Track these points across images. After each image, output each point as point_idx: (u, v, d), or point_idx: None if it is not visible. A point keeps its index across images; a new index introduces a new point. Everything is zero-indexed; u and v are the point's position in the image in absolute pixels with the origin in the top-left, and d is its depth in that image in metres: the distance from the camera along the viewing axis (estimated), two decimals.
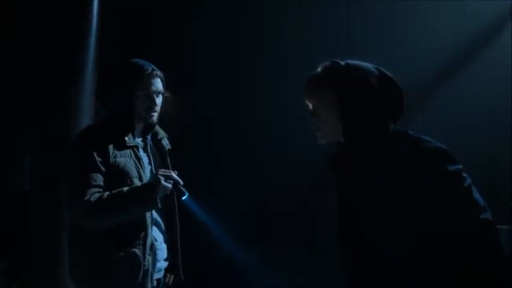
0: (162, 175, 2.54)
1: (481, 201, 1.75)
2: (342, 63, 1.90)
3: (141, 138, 2.78)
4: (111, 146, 2.58)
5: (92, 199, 2.48)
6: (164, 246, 2.78)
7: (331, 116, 1.88)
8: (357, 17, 4.98)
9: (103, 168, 2.54)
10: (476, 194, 1.75)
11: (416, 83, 4.54)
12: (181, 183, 2.60)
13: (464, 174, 1.77)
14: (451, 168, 1.74)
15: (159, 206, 2.57)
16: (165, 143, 2.89)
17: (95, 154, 2.53)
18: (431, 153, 1.76)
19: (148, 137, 2.82)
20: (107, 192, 2.52)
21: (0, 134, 4.69)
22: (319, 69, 1.94)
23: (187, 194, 2.62)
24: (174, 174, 2.59)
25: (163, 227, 2.79)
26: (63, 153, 2.82)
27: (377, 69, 1.90)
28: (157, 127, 2.86)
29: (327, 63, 1.93)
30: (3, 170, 4.63)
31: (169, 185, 2.55)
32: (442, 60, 4.93)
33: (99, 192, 2.51)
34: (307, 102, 1.96)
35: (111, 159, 2.56)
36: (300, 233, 5.13)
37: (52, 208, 3.81)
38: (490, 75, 4.73)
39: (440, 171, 1.73)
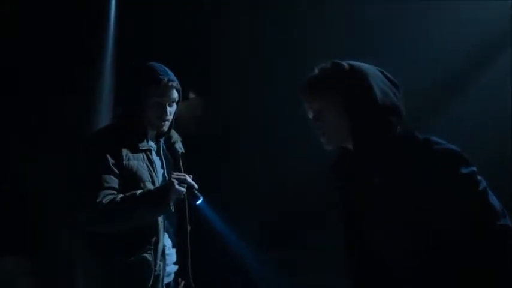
0: (176, 178, 2.51)
1: (498, 205, 1.67)
2: (345, 64, 1.85)
3: (154, 142, 2.74)
4: (124, 149, 2.55)
5: (104, 201, 2.44)
6: (173, 250, 2.74)
7: (337, 119, 1.82)
8: (371, 18, 4.87)
9: (116, 171, 2.50)
10: (492, 198, 1.67)
11: (432, 84, 4.51)
12: (196, 187, 2.56)
13: (479, 177, 1.69)
14: (464, 170, 1.66)
15: (173, 210, 2.55)
16: (179, 146, 2.85)
17: (109, 156, 2.50)
18: (442, 155, 1.69)
19: (162, 141, 2.78)
20: (120, 195, 2.48)
21: (4, 133, 4.66)
22: (318, 71, 1.89)
23: (201, 198, 2.57)
24: (188, 178, 2.54)
25: (172, 231, 2.75)
26: (75, 154, 2.77)
27: (379, 70, 1.87)
28: (171, 130, 2.82)
29: (327, 65, 1.88)
30: (3, 169, 4.60)
31: (183, 189, 2.51)
32: (458, 60, 4.80)
33: (112, 194, 2.47)
34: (308, 105, 1.89)
35: (124, 162, 2.53)
36: (324, 234, 5.01)
37: (56, 208, 3.77)
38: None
39: (451, 174, 1.67)
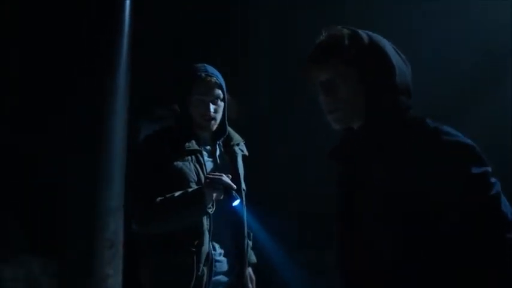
0: (211, 179, 2.45)
1: (510, 215, 1.44)
2: (363, 34, 1.66)
3: (210, 144, 2.71)
4: (169, 150, 2.53)
5: (147, 203, 2.45)
6: (225, 259, 2.62)
7: (352, 91, 1.62)
8: (396, 17, 4.77)
9: (161, 172, 2.49)
10: (505, 205, 1.45)
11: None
12: (234, 187, 2.48)
13: (493, 179, 1.46)
14: (475, 170, 1.44)
15: (211, 212, 2.47)
16: (239, 148, 2.78)
17: (154, 158, 2.50)
18: (452, 149, 1.47)
19: (220, 142, 2.73)
20: (163, 197, 2.47)
21: (30, 130, 4.69)
22: (329, 37, 1.67)
23: (238, 199, 2.48)
24: (225, 178, 2.47)
25: (228, 238, 2.65)
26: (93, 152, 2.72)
27: (391, 45, 1.69)
28: (231, 132, 2.77)
29: (338, 31, 1.67)
30: (33, 164, 4.63)
31: (218, 189, 2.44)
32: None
33: (158, 195, 2.47)
34: (317, 76, 1.68)
35: (171, 164, 2.50)
36: None
37: (85, 202, 3.76)
38: None
39: (460, 172, 1.45)
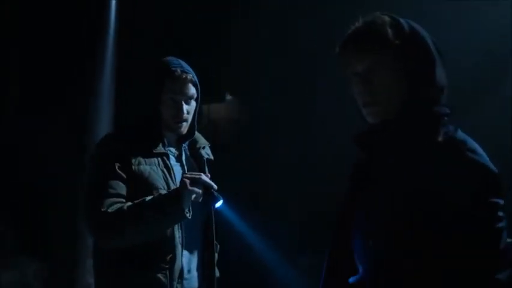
0: (189, 178, 2.17)
1: (507, 254, 1.36)
2: (404, 22, 1.54)
3: (175, 147, 2.44)
4: (135, 153, 2.25)
5: (109, 210, 2.13)
6: (195, 274, 2.35)
7: (394, 80, 1.49)
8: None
9: (124, 176, 2.20)
10: (504, 243, 1.36)
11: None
12: (214, 187, 2.22)
13: (501, 213, 1.38)
14: (491, 199, 1.36)
15: (189, 217, 2.18)
16: (205, 152, 2.52)
17: (115, 161, 2.21)
18: (474, 168, 1.38)
19: (185, 145, 2.48)
20: (129, 203, 2.17)
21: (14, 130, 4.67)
22: (369, 24, 1.54)
23: (221, 199, 2.22)
24: (204, 177, 2.20)
25: (197, 250, 2.37)
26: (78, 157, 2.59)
27: (432, 38, 1.57)
28: (197, 134, 2.51)
29: (379, 18, 1.55)
30: (14, 165, 4.61)
31: (198, 190, 2.16)
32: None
33: (120, 202, 2.17)
34: (355, 63, 1.54)
35: (134, 167, 2.22)
36: None
37: (68, 210, 3.74)
38: None
39: (475, 196, 1.35)
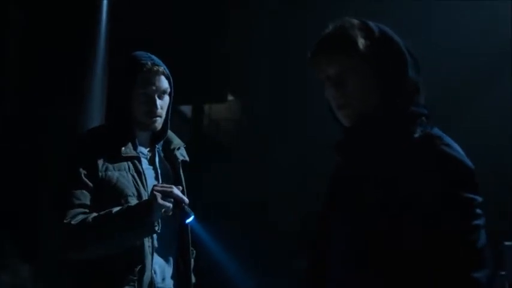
0: (160, 191, 2.00)
1: (486, 253, 1.32)
2: (373, 25, 1.54)
3: (148, 149, 2.25)
4: (101, 157, 2.08)
5: (73, 222, 1.99)
6: (170, 282, 2.21)
7: (365, 83, 1.49)
8: (396, 18, 4.80)
9: (90, 184, 2.05)
10: (482, 242, 1.32)
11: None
12: (186, 201, 2.06)
13: (479, 211, 1.33)
14: (466, 194, 1.33)
15: (157, 230, 2.05)
16: (180, 153, 2.33)
17: (81, 167, 2.05)
18: (448, 163, 1.36)
19: (158, 147, 2.28)
20: (94, 214, 2.02)
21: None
22: (338, 29, 1.54)
23: (192, 215, 2.08)
24: (176, 190, 2.03)
25: (172, 257, 2.23)
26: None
27: (401, 40, 1.55)
28: (171, 134, 2.32)
29: (347, 22, 1.54)
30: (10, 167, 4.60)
31: (169, 204, 2.01)
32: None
33: (84, 213, 2.03)
34: (326, 69, 1.54)
35: (100, 173, 2.06)
36: None
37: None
38: None
39: (448, 189, 1.33)
